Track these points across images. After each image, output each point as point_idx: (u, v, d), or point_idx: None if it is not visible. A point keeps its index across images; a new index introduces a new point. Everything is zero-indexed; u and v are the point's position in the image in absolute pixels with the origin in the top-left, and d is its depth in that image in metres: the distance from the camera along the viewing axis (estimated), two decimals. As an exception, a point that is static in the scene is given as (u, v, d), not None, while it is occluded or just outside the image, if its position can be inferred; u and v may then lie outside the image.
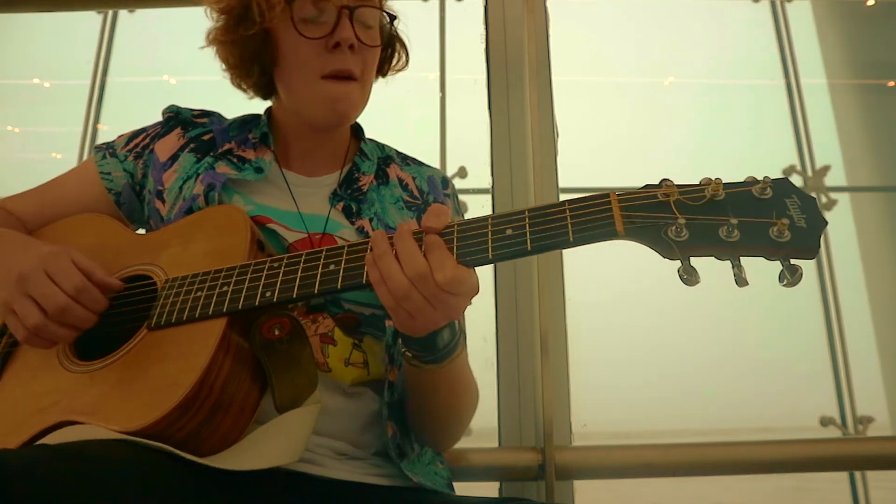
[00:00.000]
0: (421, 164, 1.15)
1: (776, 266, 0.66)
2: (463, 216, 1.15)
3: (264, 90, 1.06)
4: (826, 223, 0.64)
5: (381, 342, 0.96)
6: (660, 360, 2.23)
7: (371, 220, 0.99)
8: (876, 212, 2.32)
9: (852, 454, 1.47)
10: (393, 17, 1.05)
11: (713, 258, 0.67)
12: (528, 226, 0.72)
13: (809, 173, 1.88)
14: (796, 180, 1.86)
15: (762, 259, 0.66)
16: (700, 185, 0.69)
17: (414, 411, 0.95)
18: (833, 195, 1.85)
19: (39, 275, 0.82)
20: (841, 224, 1.99)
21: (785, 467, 1.44)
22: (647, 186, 0.71)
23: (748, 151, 2.34)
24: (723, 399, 2.23)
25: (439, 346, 0.81)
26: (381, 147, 1.14)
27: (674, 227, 0.66)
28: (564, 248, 0.71)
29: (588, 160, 2.12)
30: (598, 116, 2.38)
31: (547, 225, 0.71)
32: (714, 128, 2.49)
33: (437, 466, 1.00)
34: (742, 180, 0.69)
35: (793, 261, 0.64)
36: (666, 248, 0.66)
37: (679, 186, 0.69)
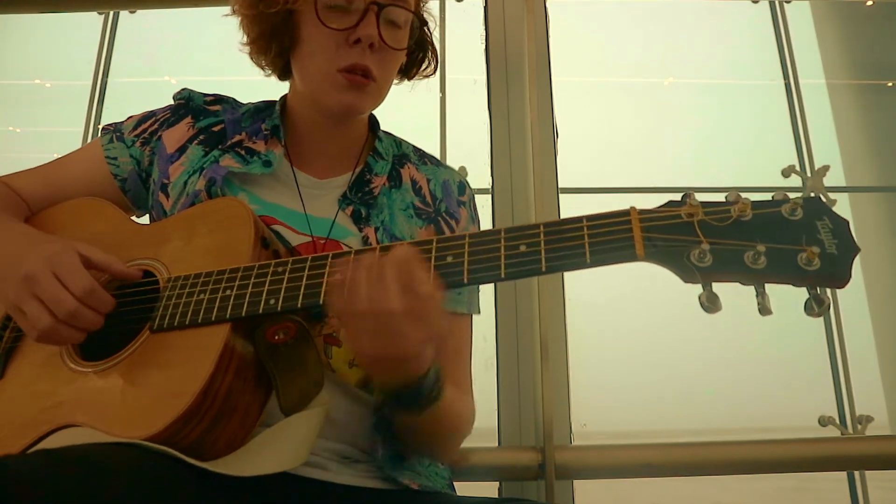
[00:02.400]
0: (439, 164, 1.11)
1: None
2: (479, 224, 1.11)
3: (281, 70, 1.04)
4: (858, 249, 0.60)
5: None
6: (660, 360, 2.23)
7: (377, 229, 0.96)
8: (875, 212, 2.32)
9: (851, 454, 1.48)
10: (424, 22, 1.02)
11: (736, 284, 0.62)
12: (542, 243, 0.68)
13: (808, 173, 1.88)
14: (795, 180, 1.86)
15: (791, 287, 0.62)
16: (726, 202, 0.64)
17: (402, 440, 0.92)
18: (832, 195, 1.84)
19: (48, 276, 0.80)
20: (840, 224, 1.99)
21: (784, 467, 1.45)
22: (669, 203, 0.66)
23: (747, 151, 2.35)
24: (722, 399, 2.23)
25: (407, 399, 0.78)
26: (398, 144, 1.11)
27: (697, 252, 0.62)
28: (581, 269, 0.67)
29: (587, 160, 2.13)
30: (597, 116, 2.38)
31: (563, 243, 0.67)
32: (713, 128, 2.49)
33: (437, 466, 1.00)
34: (771, 197, 0.64)
35: (820, 290, 0.60)
36: (687, 273, 0.62)
37: (704, 204, 0.65)
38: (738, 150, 2.37)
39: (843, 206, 2.08)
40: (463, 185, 1.10)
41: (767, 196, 0.67)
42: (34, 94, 2.40)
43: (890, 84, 2.46)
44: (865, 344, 2.08)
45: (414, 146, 1.14)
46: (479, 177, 1.80)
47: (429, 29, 1.05)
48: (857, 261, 0.62)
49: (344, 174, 1.03)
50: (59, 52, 2.36)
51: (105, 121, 2.00)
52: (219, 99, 1.09)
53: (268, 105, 1.09)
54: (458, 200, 1.08)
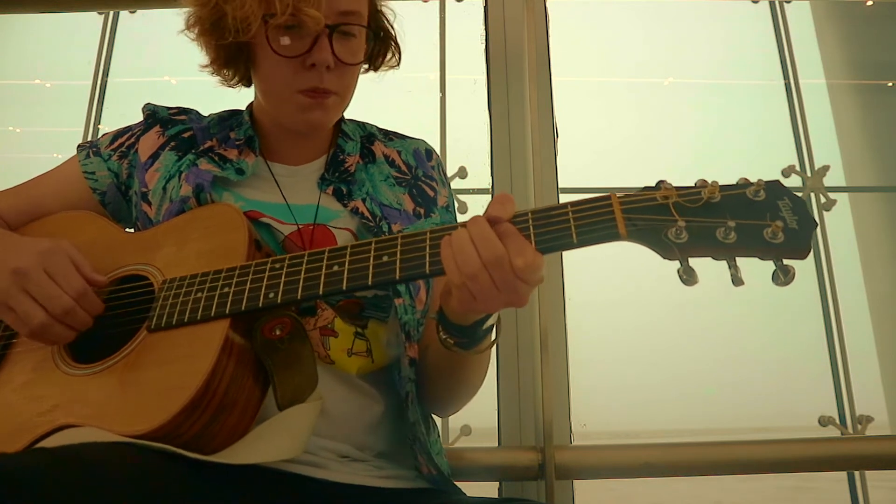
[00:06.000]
0: (404, 137, 1.14)
1: (773, 266, 0.68)
2: (450, 187, 1.15)
3: (245, 83, 1.06)
4: (816, 224, 0.67)
5: (385, 324, 0.95)
6: (660, 360, 2.23)
7: (364, 199, 0.98)
8: (875, 212, 2.32)
9: (851, 454, 1.47)
10: (380, 29, 1.03)
11: (710, 259, 0.68)
12: (531, 227, 0.73)
13: (808, 173, 1.88)
14: (795, 180, 1.86)
15: (757, 259, 0.68)
16: (696, 187, 0.71)
17: (431, 384, 0.95)
18: (832, 195, 1.85)
19: (40, 274, 0.81)
20: (840, 224, 1.99)
21: (784, 467, 1.44)
22: (645, 189, 0.72)
23: (747, 151, 2.35)
24: (723, 399, 2.23)
25: (480, 334, 0.82)
26: (363, 126, 1.14)
27: (674, 229, 0.68)
28: (569, 250, 0.72)
29: (587, 160, 2.13)
30: (597, 116, 2.38)
31: (551, 227, 0.72)
32: (713, 128, 2.49)
33: (442, 458, 1.00)
34: (736, 182, 0.71)
35: (786, 261, 0.67)
36: (666, 249, 0.68)
37: (677, 188, 0.71)
38: (738, 150, 2.37)
39: (843, 206, 2.08)
40: (430, 152, 1.14)
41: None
42: (34, 94, 2.40)
43: (890, 84, 2.46)
44: (865, 344, 2.07)
45: (377, 126, 1.17)
46: (479, 177, 1.80)
47: (388, 21, 1.06)
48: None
49: (317, 159, 1.06)
50: (59, 52, 2.36)
51: (105, 121, 2.01)
52: (182, 110, 1.11)
53: (231, 114, 1.11)
54: (430, 166, 1.12)
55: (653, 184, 0.73)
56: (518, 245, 0.71)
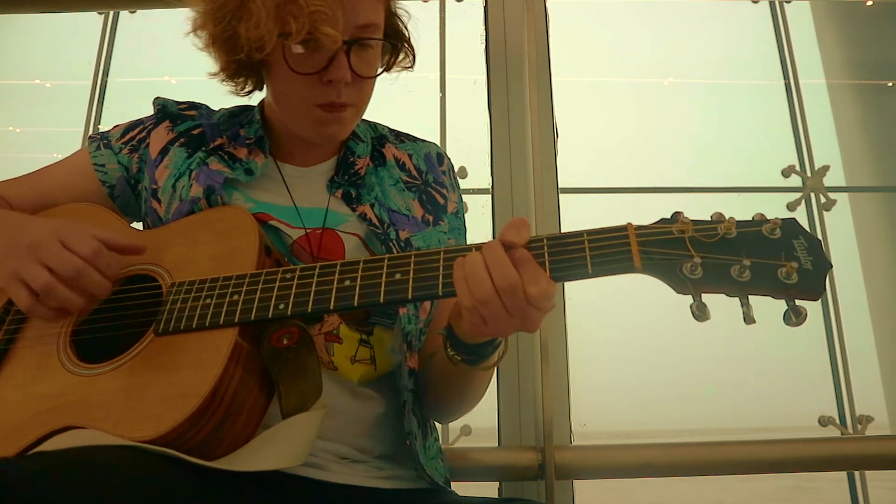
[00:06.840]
0: (416, 139, 1.13)
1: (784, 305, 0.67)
2: (460, 193, 1.14)
3: (258, 88, 1.04)
4: (831, 266, 0.66)
5: (390, 330, 0.95)
6: (660, 360, 2.23)
7: (372, 205, 0.98)
8: (875, 212, 2.32)
9: (851, 453, 1.48)
10: (394, 45, 1.02)
11: (723, 295, 0.68)
12: (546, 255, 0.72)
13: (808, 173, 1.88)
14: (795, 180, 1.86)
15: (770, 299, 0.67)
16: (713, 221, 0.71)
17: (433, 391, 0.95)
18: (832, 195, 1.85)
19: (55, 243, 0.81)
20: (840, 224, 1.99)
21: (784, 467, 1.45)
22: (661, 221, 0.72)
23: (747, 152, 2.34)
24: (723, 399, 2.23)
25: (489, 352, 0.82)
26: (374, 127, 1.13)
27: (689, 265, 0.68)
28: (583, 279, 0.72)
29: (587, 160, 2.12)
30: (597, 116, 2.38)
31: (566, 255, 0.72)
32: (713, 128, 2.49)
33: (438, 462, 1.00)
34: (752, 218, 0.71)
35: (798, 302, 0.66)
36: (679, 284, 0.68)
37: (693, 222, 0.71)
38: (738, 150, 2.37)
39: (843, 206, 2.08)
40: (441, 156, 1.13)
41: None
42: (34, 94, 2.40)
43: (890, 84, 2.46)
44: (865, 344, 2.07)
45: (388, 127, 1.15)
46: (479, 177, 1.80)
47: (403, 23, 1.04)
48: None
49: (327, 160, 1.05)
50: (59, 52, 2.36)
51: (105, 121, 2.01)
52: (192, 105, 1.10)
53: (242, 110, 1.10)
54: (440, 171, 1.11)
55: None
56: (533, 273, 0.71)
